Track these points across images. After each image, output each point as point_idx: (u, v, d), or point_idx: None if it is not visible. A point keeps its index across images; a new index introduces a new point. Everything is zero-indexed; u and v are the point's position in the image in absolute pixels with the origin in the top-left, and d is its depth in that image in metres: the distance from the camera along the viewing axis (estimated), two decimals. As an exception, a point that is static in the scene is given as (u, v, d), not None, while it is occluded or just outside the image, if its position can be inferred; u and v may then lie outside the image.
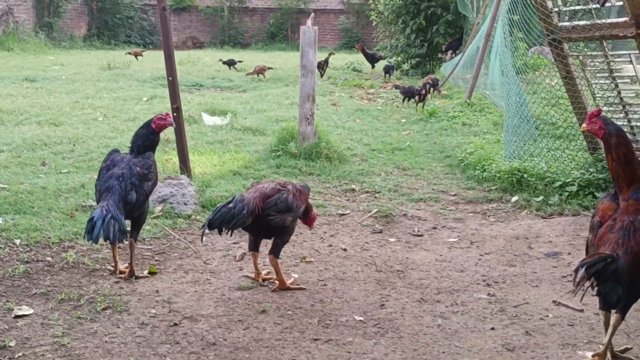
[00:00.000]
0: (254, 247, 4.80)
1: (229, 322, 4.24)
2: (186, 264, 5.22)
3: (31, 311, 4.25)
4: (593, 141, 7.04)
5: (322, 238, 5.93)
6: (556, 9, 6.58)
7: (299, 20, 32.29)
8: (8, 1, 25.49)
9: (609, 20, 6.19)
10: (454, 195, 7.34)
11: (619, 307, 3.67)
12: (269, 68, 17.56)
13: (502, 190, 7.32)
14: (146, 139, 4.89)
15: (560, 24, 6.56)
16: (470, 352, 3.93)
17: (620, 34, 6.07)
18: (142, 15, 34.51)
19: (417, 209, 6.81)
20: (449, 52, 19.22)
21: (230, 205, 4.49)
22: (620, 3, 5.97)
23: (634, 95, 6.87)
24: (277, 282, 4.76)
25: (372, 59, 20.30)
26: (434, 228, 6.28)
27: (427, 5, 18.93)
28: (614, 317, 3.68)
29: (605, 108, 6.88)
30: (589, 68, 6.81)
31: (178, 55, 22.38)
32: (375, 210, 6.59)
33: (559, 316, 4.43)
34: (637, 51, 6.20)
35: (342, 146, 9.06)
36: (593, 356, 3.75)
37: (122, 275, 4.85)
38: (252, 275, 4.93)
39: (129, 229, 4.88)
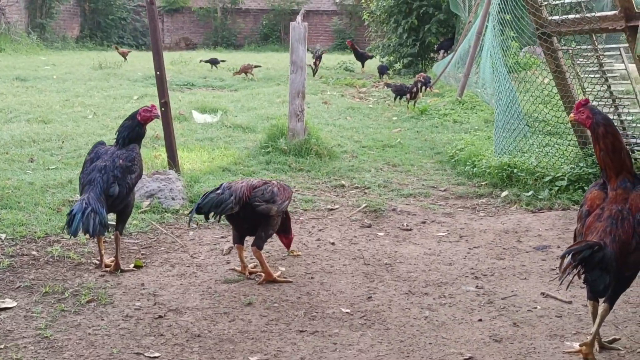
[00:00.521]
0: (239, 241, 4.80)
1: (214, 315, 4.20)
2: (173, 257, 5.17)
3: (14, 304, 4.21)
4: (583, 136, 7.02)
5: (310, 232, 5.89)
6: (545, 2, 6.56)
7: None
8: (0, 2, 25.40)
9: (599, 14, 6.17)
10: (444, 190, 7.31)
11: (607, 297, 3.65)
12: (255, 66, 17.47)
13: (492, 186, 7.30)
14: (131, 131, 4.86)
15: (550, 17, 6.54)
16: (457, 343, 3.90)
17: (610, 27, 6.05)
18: (135, 17, 34.44)
19: (407, 204, 6.78)
20: (441, 52, 19.23)
21: (219, 191, 4.58)
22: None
23: (623, 89, 6.85)
24: (263, 274, 4.73)
25: (362, 58, 20.30)
26: (423, 222, 6.25)
27: (419, 4, 18.95)
28: (601, 307, 3.65)
29: (595, 102, 6.86)
30: (578, 62, 6.78)
31: (170, 55, 22.41)
32: (364, 205, 6.56)
33: (547, 308, 4.40)
34: (626, 45, 6.17)
35: (332, 143, 9.04)
36: (580, 346, 3.71)
37: (108, 269, 4.80)
38: (239, 268, 4.90)
39: (112, 222, 4.84)
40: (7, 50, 23.66)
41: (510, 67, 12.76)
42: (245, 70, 17.22)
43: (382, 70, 18.51)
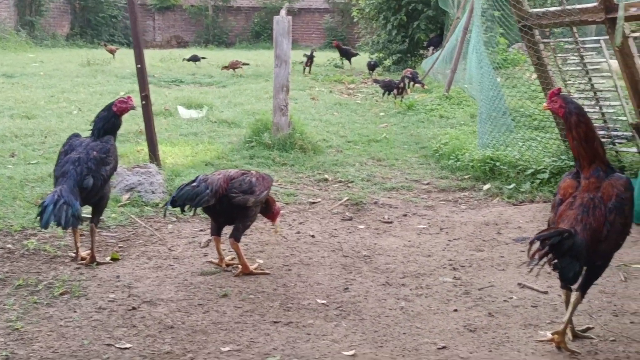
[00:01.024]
0: (217, 232, 4.76)
1: (188, 306, 4.18)
2: (150, 250, 5.15)
3: (-14, 296, 4.18)
4: (565, 128, 7.01)
5: (290, 225, 5.87)
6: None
7: (283, 19, 32.16)
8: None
9: (579, 6, 6.17)
10: (427, 184, 7.30)
11: (579, 286, 3.64)
12: (244, 64, 17.47)
13: (475, 179, 7.30)
14: (106, 122, 4.83)
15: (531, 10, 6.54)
16: (431, 333, 3.89)
17: (590, 19, 6.05)
18: (126, 14, 34.27)
19: (389, 197, 6.77)
20: (431, 48, 19.22)
21: (194, 184, 4.52)
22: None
23: (604, 82, 6.85)
24: (240, 266, 4.71)
25: (347, 55, 20.31)
26: (405, 215, 6.23)
27: (408, 1, 18.93)
28: (574, 295, 3.66)
29: (576, 95, 6.87)
30: (559, 55, 6.78)
31: (160, 53, 22.29)
32: (346, 199, 6.55)
33: (523, 298, 4.40)
34: (607, 37, 6.17)
35: (317, 138, 9.02)
36: (553, 335, 3.71)
37: (84, 262, 4.77)
38: (216, 261, 4.87)
39: (88, 215, 4.81)
40: (-5, 47, 23.56)
41: (499, 63, 12.79)
42: (234, 66, 17.21)
43: (372, 66, 18.50)
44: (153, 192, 6.18)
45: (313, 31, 34.56)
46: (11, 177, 6.57)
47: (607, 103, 6.81)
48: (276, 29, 8.32)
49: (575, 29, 6.52)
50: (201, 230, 5.62)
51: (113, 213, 5.78)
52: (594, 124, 4.29)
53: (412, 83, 14.00)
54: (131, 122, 8.99)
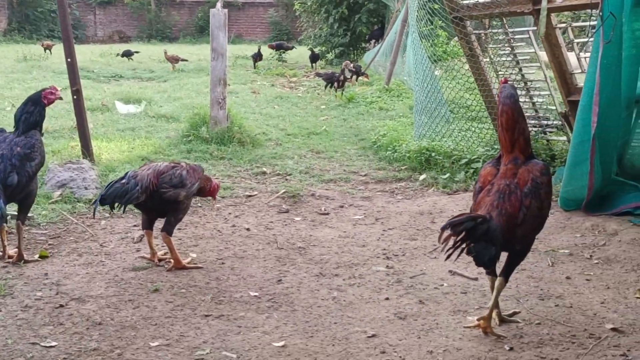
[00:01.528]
0: (148, 226, 4.71)
1: (118, 302, 4.12)
2: (81, 247, 5.06)
3: None
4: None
5: (226, 219, 5.85)
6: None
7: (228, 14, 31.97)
8: None
9: (507, -3, 6.29)
10: (364, 175, 7.36)
11: (502, 271, 3.72)
12: (182, 60, 17.39)
13: (412, 170, 7.38)
14: (30, 115, 4.67)
15: (462, 1, 6.63)
16: (361, 322, 3.92)
17: (519, 11, 6.17)
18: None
19: (326, 189, 6.79)
20: (372, 41, 19.35)
21: (123, 180, 4.45)
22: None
23: (534, 72, 7.00)
24: (172, 261, 4.67)
25: (280, 48, 20.33)
26: (341, 207, 6.27)
27: (349, -7, 19.05)
28: (497, 280, 3.73)
29: (507, 86, 6.98)
30: (491, 45, 6.90)
31: (100, 48, 21.91)
32: (283, 191, 6.55)
33: (453, 285, 4.47)
34: (535, 28, 6.30)
35: (256, 131, 9.00)
36: (479, 320, 3.78)
37: (11, 260, 4.66)
38: (148, 255, 4.82)
39: (14, 212, 4.70)
40: None
41: (439, 56, 12.93)
42: (173, 59, 17.09)
43: (314, 58, 18.52)
44: (86, 188, 6.08)
45: (257, 25, 34.44)
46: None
47: (538, 93, 6.96)
48: (212, 21, 8.26)
49: (505, 20, 6.64)
50: (135, 226, 5.55)
51: (44, 210, 5.67)
52: (525, 114, 4.38)
53: (356, 76, 14.09)
54: (66, 118, 8.84)
